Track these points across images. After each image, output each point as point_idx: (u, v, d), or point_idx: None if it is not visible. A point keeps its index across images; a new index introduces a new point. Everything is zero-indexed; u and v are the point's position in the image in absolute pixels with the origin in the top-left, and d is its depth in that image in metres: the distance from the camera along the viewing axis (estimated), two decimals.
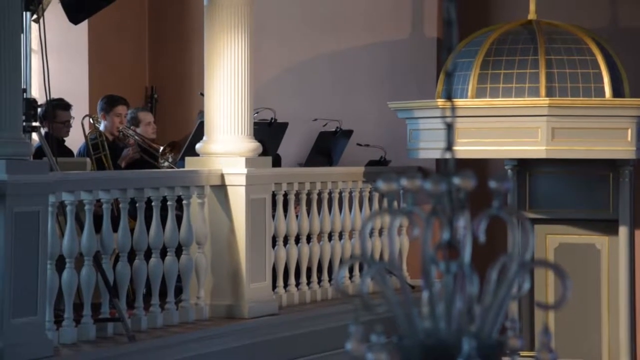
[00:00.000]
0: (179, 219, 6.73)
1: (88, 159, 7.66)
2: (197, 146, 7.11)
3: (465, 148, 7.59)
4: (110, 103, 8.09)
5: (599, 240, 8.25)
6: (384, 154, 8.83)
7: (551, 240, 8.31)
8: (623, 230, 8.14)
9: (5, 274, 5.33)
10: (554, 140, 7.67)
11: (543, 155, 7.73)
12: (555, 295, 8.23)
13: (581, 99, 7.73)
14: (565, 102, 7.69)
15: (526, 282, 2.25)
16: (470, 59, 7.90)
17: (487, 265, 2.25)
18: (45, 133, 7.01)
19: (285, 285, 7.53)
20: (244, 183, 6.91)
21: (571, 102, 7.70)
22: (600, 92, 7.77)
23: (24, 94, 5.83)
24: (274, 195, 7.35)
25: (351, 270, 8.07)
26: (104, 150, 7.80)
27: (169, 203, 6.63)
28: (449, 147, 2.19)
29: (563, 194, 8.31)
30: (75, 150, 8.08)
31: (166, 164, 7.92)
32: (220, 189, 6.93)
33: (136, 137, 8.06)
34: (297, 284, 7.63)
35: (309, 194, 7.76)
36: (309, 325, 7.28)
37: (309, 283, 7.72)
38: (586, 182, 8.27)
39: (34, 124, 6.09)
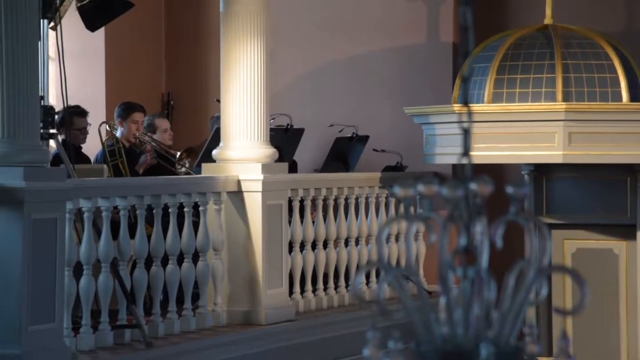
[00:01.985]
0: (195, 225, 6.74)
1: (105, 166, 7.68)
2: (214, 152, 7.12)
3: (482, 153, 7.57)
4: (127, 110, 8.11)
5: (617, 245, 8.21)
6: (400, 159, 8.82)
7: (568, 245, 8.28)
8: None
9: (23, 280, 5.35)
10: (570, 145, 7.64)
11: (560, 160, 7.71)
12: (573, 300, 8.20)
13: (598, 103, 7.71)
14: (582, 106, 7.67)
15: (544, 287, 2.24)
16: (486, 64, 7.88)
17: (505, 270, 2.24)
18: (63, 140, 7.03)
19: (302, 291, 7.53)
20: (261, 189, 6.92)
21: (588, 107, 7.67)
22: (618, 97, 7.74)
23: (42, 101, 5.85)
24: (290, 201, 7.35)
25: (368, 276, 8.06)
26: (121, 157, 7.82)
27: (185, 209, 6.65)
28: (466, 152, 2.19)
29: (580, 198, 8.28)
30: (92, 157, 8.10)
31: (183, 169, 7.93)
32: (237, 195, 6.94)
33: (153, 144, 8.08)
34: (314, 290, 7.62)
35: (325, 200, 7.75)
36: (326, 331, 7.27)
37: (325, 289, 7.72)
38: (603, 187, 8.24)
39: (51, 131, 6.11)
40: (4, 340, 5.32)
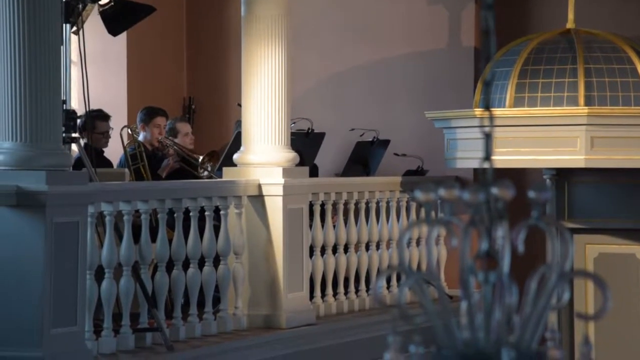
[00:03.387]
0: (216, 229, 6.75)
1: (126, 170, 7.71)
2: (235, 156, 7.13)
3: (504, 157, 7.55)
4: (149, 114, 8.14)
5: (639, 250, 8.17)
6: (421, 163, 8.80)
7: (590, 250, 8.25)
8: None
9: (45, 284, 5.37)
10: (593, 150, 7.61)
11: (582, 165, 7.68)
12: (595, 305, 8.16)
13: (621, 107, 7.68)
14: (605, 111, 7.64)
15: (566, 292, 2.23)
16: (508, 68, 7.86)
17: (526, 275, 2.24)
18: (85, 144, 7.06)
19: (323, 295, 7.53)
20: (282, 193, 6.92)
21: (610, 111, 7.64)
22: None
23: (64, 105, 5.88)
24: (311, 205, 7.35)
25: (389, 280, 8.05)
26: (143, 161, 7.84)
27: (206, 213, 6.66)
28: (488, 156, 2.18)
29: (602, 203, 8.25)
30: (114, 161, 8.13)
31: (206, 173, 7.95)
32: (258, 199, 6.95)
33: (175, 148, 8.11)
34: (335, 294, 7.62)
35: (346, 204, 7.75)
36: (347, 335, 7.27)
37: (346, 293, 7.71)
38: (625, 191, 8.20)
39: (73, 135, 6.13)
40: (26, 343, 5.34)
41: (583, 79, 7.71)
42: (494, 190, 2.17)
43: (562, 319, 8.16)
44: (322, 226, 7.50)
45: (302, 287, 7.08)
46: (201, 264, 6.63)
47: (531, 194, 2.23)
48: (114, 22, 7.20)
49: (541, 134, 7.70)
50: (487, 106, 2.21)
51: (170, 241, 6.44)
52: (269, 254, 6.92)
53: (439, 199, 2.24)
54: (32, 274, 5.37)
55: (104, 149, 7.94)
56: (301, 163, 7.27)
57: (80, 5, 6.26)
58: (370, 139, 8.86)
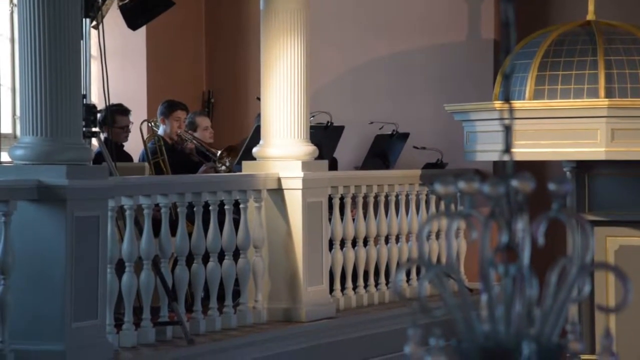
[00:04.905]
0: (236, 223, 6.76)
1: (146, 164, 7.73)
2: (254, 150, 7.14)
3: (523, 150, 7.53)
4: (170, 108, 8.17)
5: None
6: (440, 156, 8.79)
7: (611, 242, 8.21)
8: None
9: (66, 278, 5.40)
10: (613, 142, 7.58)
11: (602, 157, 7.64)
12: (616, 298, 8.13)
13: None
14: (625, 103, 7.60)
15: (586, 285, 2.23)
16: (528, 61, 7.83)
17: (547, 268, 2.23)
18: (105, 138, 7.09)
19: (343, 288, 7.53)
20: (301, 187, 6.93)
21: (631, 103, 7.60)
22: None
23: (84, 99, 5.90)
24: (330, 199, 7.36)
25: (408, 274, 8.05)
26: (162, 155, 7.87)
27: (226, 207, 6.67)
28: (507, 149, 2.18)
29: (623, 195, 8.21)
30: (134, 155, 8.16)
31: (223, 168, 7.97)
32: (277, 192, 6.96)
33: (194, 142, 8.12)
34: (354, 288, 7.62)
35: (365, 197, 7.75)
36: (367, 328, 7.27)
37: (366, 286, 7.71)
38: None
39: (93, 129, 6.16)
40: (48, 336, 5.37)
41: (603, 70, 7.68)
42: (514, 183, 2.16)
43: (583, 312, 8.13)
44: (342, 219, 7.50)
45: (321, 280, 7.08)
46: (221, 257, 6.65)
47: (551, 186, 2.22)
48: (133, 17, 7.22)
49: (561, 127, 7.67)
50: (506, 99, 2.20)
51: (190, 235, 6.45)
52: (288, 247, 6.93)
53: (458, 191, 2.24)
54: (53, 268, 5.39)
55: (124, 143, 7.97)
56: (320, 156, 7.27)
57: (100, 0, 6.27)
58: (390, 132, 8.85)
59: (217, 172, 7.95)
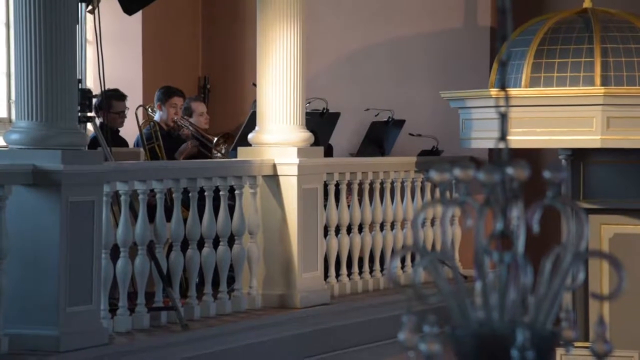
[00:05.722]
0: (231, 209, 6.76)
1: (141, 149, 7.72)
2: (250, 136, 7.14)
3: (519, 138, 7.53)
4: (167, 94, 8.16)
5: None
6: (436, 143, 8.79)
7: (606, 230, 8.23)
8: None
9: (61, 262, 5.40)
10: (609, 130, 7.58)
11: (598, 145, 7.65)
12: (610, 285, 8.15)
13: (637, 88, 7.63)
14: (621, 91, 7.60)
15: (581, 272, 2.23)
16: (524, 48, 7.83)
17: (541, 255, 2.23)
18: (100, 123, 7.08)
19: (337, 275, 7.54)
20: (296, 173, 6.92)
21: (627, 91, 7.60)
22: None
23: (80, 84, 5.89)
24: (325, 185, 7.36)
25: (403, 261, 8.06)
26: (158, 141, 7.86)
27: (221, 193, 6.67)
28: (503, 136, 2.18)
29: (618, 183, 8.22)
30: (129, 140, 8.15)
31: (219, 155, 7.96)
32: (273, 178, 6.95)
33: (190, 128, 8.11)
34: (349, 274, 7.63)
35: (360, 184, 7.75)
36: (361, 315, 7.28)
37: (360, 273, 7.72)
38: None
39: (89, 114, 6.15)
40: (42, 321, 5.38)
41: (600, 58, 7.67)
42: (509, 171, 2.16)
43: (577, 299, 8.15)
44: (337, 206, 7.50)
45: (316, 266, 7.09)
46: (216, 243, 6.65)
47: (546, 174, 2.22)
48: (129, 1, 7.19)
49: (557, 114, 7.67)
50: (502, 86, 2.20)
51: (185, 220, 6.45)
52: (283, 233, 6.93)
53: (454, 179, 2.24)
54: (48, 253, 5.39)
55: (120, 129, 7.95)
56: (316, 143, 7.26)
57: None
58: (386, 119, 8.84)
59: (200, 151, 7.93)
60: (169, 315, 6.24)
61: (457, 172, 2.20)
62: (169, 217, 6.37)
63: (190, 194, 6.48)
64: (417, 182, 8.24)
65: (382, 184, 7.92)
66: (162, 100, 8.14)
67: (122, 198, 6.04)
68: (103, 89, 6.42)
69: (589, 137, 7.61)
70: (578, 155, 8.29)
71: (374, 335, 7.26)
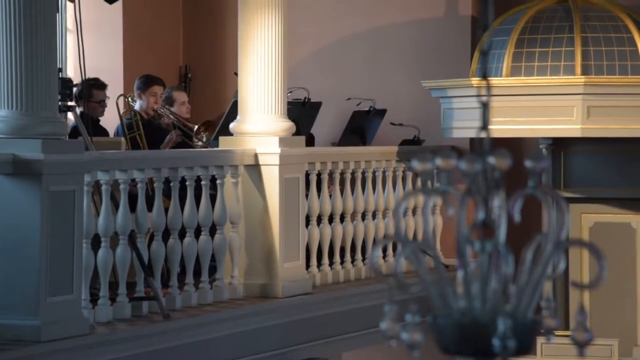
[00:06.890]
0: (213, 199, 6.75)
1: (123, 139, 7.70)
2: (231, 126, 7.12)
3: (500, 127, 7.55)
4: (146, 83, 8.13)
5: (635, 219, 8.19)
6: (417, 133, 8.80)
7: (586, 219, 8.27)
8: None
9: (42, 252, 5.38)
10: (589, 119, 7.61)
11: (578, 134, 7.68)
12: (590, 274, 8.19)
13: (617, 77, 7.67)
14: (601, 80, 7.63)
15: (561, 261, 2.24)
16: (505, 37, 7.84)
17: (522, 244, 2.24)
18: (81, 112, 7.05)
19: (319, 264, 7.55)
20: (278, 162, 6.92)
21: (607, 81, 7.63)
22: (637, 70, 7.69)
23: (60, 73, 5.86)
24: (307, 175, 7.35)
25: (385, 250, 8.07)
26: (139, 130, 7.84)
27: (203, 182, 6.66)
28: (484, 126, 2.18)
29: (598, 172, 8.25)
30: (110, 130, 8.12)
31: (200, 143, 7.94)
32: (254, 168, 6.95)
33: (171, 117, 8.09)
34: (331, 264, 7.64)
35: (342, 174, 7.75)
36: (343, 304, 7.29)
37: (342, 262, 7.73)
38: (621, 161, 8.21)
39: (69, 103, 6.12)
40: (23, 311, 5.36)
41: (580, 48, 7.70)
42: (491, 160, 2.17)
43: (558, 288, 8.19)
44: (319, 196, 7.50)
45: (298, 256, 7.09)
46: (197, 233, 6.64)
47: (528, 163, 2.23)
48: None
49: (538, 104, 7.69)
50: (484, 75, 2.21)
51: (166, 210, 6.44)
52: (265, 223, 6.93)
53: (435, 168, 2.24)
54: (29, 243, 5.37)
55: (100, 118, 7.93)
56: (298, 132, 7.26)
57: None
58: (367, 109, 8.84)
59: (184, 140, 7.92)
60: (150, 305, 6.23)
61: (439, 161, 2.20)
62: (150, 207, 6.35)
63: (171, 184, 6.47)
64: (399, 172, 8.25)
65: (363, 173, 7.93)
66: (141, 89, 8.11)
67: (103, 187, 6.02)
68: (83, 78, 6.40)
69: (570, 127, 7.64)
70: (559, 145, 8.33)
71: (356, 325, 7.27)
